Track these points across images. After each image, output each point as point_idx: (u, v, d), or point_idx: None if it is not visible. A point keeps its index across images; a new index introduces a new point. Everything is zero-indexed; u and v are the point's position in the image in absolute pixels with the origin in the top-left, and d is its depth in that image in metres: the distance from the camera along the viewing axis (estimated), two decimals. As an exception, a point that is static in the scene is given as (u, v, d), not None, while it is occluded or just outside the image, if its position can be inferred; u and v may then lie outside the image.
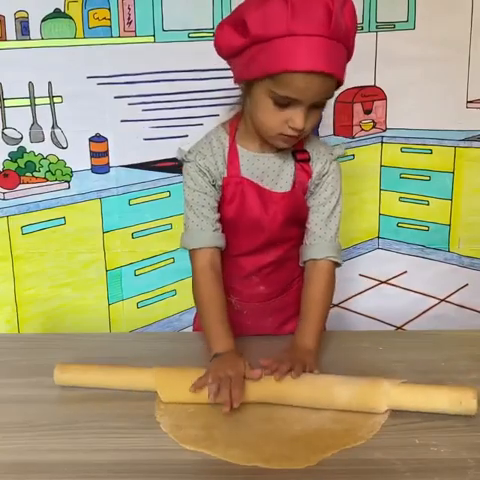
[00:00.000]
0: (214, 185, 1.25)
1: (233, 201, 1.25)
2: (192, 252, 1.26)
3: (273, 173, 1.25)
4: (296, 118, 1.11)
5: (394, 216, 1.95)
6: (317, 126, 1.81)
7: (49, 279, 1.85)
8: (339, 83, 1.12)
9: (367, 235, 1.95)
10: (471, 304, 1.95)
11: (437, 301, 1.97)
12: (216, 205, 1.26)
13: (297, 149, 1.25)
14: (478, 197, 1.88)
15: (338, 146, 1.30)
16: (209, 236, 1.25)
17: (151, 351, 1.31)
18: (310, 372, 1.10)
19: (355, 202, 1.87)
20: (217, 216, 1.26)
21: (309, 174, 1.26)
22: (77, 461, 0.96)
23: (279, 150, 1.24)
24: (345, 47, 1.09)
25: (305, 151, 1.26)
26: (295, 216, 1.28)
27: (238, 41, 1.10)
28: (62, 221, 1.81)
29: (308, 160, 1.26)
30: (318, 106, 1.13)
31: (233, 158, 1.24)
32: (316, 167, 1.26)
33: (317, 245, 1.27)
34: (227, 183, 1.25)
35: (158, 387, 1.11)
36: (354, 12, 1.10)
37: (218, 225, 1.26)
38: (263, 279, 1.34)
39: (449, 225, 1.92)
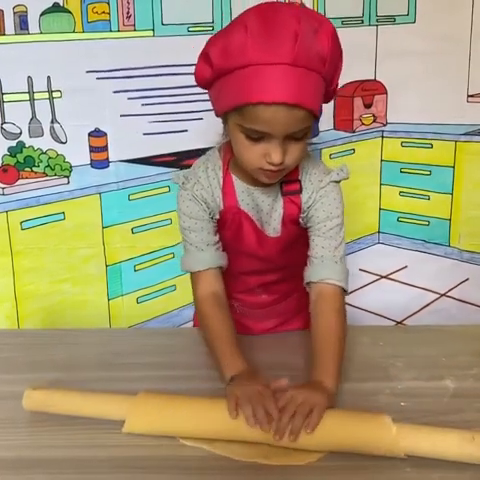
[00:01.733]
0: (211, 216, 1.19)
1: (230, 229, 1.21)
2: (194, 275, 1.21)
3: (267, 207, 1.19)
4: (272, 152, 1.04)
5: (394, 211, 1.95)
6: (317, 121, 1.80)
7: (49, 274, 1.85)
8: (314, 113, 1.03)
9: (367, 230, 1.95)
10: (472, 299, 1.95)
11: (437, 296, 1.97)
12: (214, 229, 1.21)
13: (287, 180, 1.16)
14: (479, 191, 1.88)
15: (339, 169, 1.19)
16: (210, 256, 1.20)
17: (151, 347, 1.30)
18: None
19: (355, 197, 1.87)
20: (216, 238, 1.21)
21: (299, 207, 1.18)
22: (76, 457, 0.96)
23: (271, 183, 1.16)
24: (320, 74, 1.00)
25: (296, 181, 1.18)
26: (291, 246, 1.23)
27: (207, 73, 1.05)
28: (61, 216, 1.81)
29: (299, 192, 1.17)
30: (297, 138, 1.04)
31: (229, 189, 1.18)
32: (303, 198, 1.17)
33: (315, 265, 1.17)
34: (224, 214, 1.19)
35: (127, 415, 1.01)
36: (333, 35, 1.01)
37: (218, 245, 1.21)
38: (266, 290, 1.33)
39: (449, 220, 1.92)
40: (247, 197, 1.19)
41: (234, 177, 1.18)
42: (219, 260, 1.21)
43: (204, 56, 1.05)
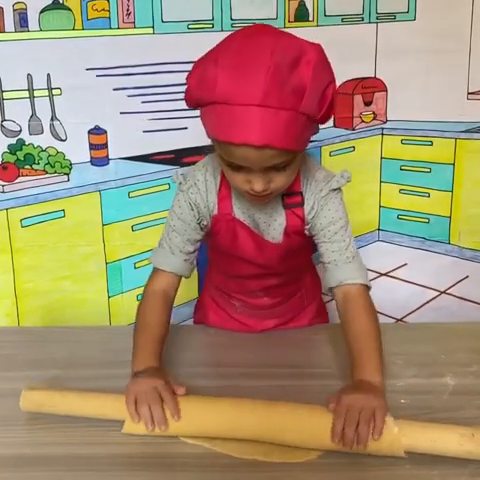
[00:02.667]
0: (199, 223, 1.19)
1: (225, 237, 1.20)
2: (155, 270, 1.21)
3: (265, 216, 1.18)
4: (253, 182, 1.03)
5: (394, 208, 1.94)
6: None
7: (49, 272, 1.85)
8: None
9: (367, 227, 1.95)
10: (471, 296, 1.95)
11: (437, 293, 1.97)
12: (196, 238, 1.20)
13: (289, 192, 1.15)
14: (479, 189, 1.88)
15: (339, 176, 1.17)
16: (178, 263, 1.19)
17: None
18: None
19: (355, 194, 1.87)
20: (195, 248, 1.21)
21: (302, 219, 1.17)
22: (75, 454, 0.96)
23: None
24: (295, 110, 0.95)
25: (298, 194, 1.16)
26: (293, 253, 1.22)
27: (189, 98, 1.05)
28: (61, 214, 1.80)
29: (301, 204, 1.16)
30: (279, 168, 1.03)
31: (225, 196, 1.17)
32: (306, 210, 1.16)
33: (330, 271, 1.16)
34: (217, 220, 1.18)
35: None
36: (315, 63, 0.96)
37: (193, 256, 1.21)
38: (267, 293, 1.33)
39: (449, 217, 1.92)
40: (243, 205, 1.18)
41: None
42: (185, 271, 1.21)
43: (187, 80, 1.03)
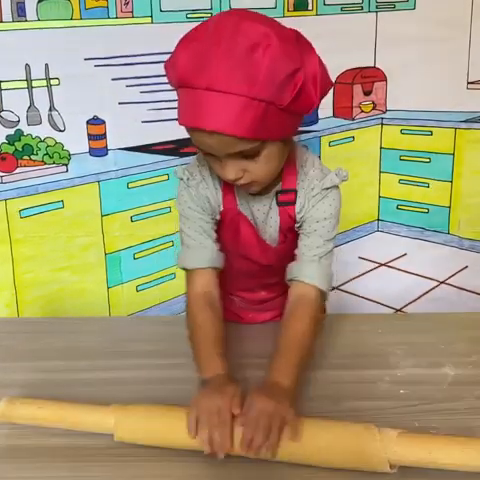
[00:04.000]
0: (212, 214, 1.17)
1: (228, 232, 1.19)
2: (190, 273, 1.17)
3: (262, 215, 1.17)
4: (224, 170, 1.03)
5: (394, 198, 1.94)
6: (316, 108, 1.80)
7: (48, 263, 1.85)
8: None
9: (367, 217, 1.95)
10: (471, 286, 1.95)
11: (437, 283, 1.97)
12: (214, 229, 1.18)
13: (283, 189, 1.13)
14: (478, 179, 1.88)
15: (333, 174, 1.13)
16: (211, 255, 1.16)
17: (150, 335, 1.31)
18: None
19: (355, 185, 1.86)
20: (215, 238, 1.18)
21: (292, 217, 1.15)
22: (78, 445, 0.96)
23: (268, 191, 1.13)
24: (249, 97, 0.92)
25: (292, 191, 1.14)
26: (291, 253, 1.19)
27: (169, 83, 1.05)
28: (60, 205, 1.80)
29: (293, 202, 1.14)
30: (250, 156, 1.00)
31: (229, 190, 1.15)
32: (297, 208, 1.14)
33: (294, 264, 1.15)
34: (224, 215, 1.17)
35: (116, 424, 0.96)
36: (275, 51, 0.92)
37: (217, 245, 1.18)
38: (265, 288, 1.32)
39: (449, 207, 1.91)
40: (245, 203, 1.17)
41: None
42: (218, 261, 1.18)
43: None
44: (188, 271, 1.18)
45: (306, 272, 1.13)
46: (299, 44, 0.97)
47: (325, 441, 0.91)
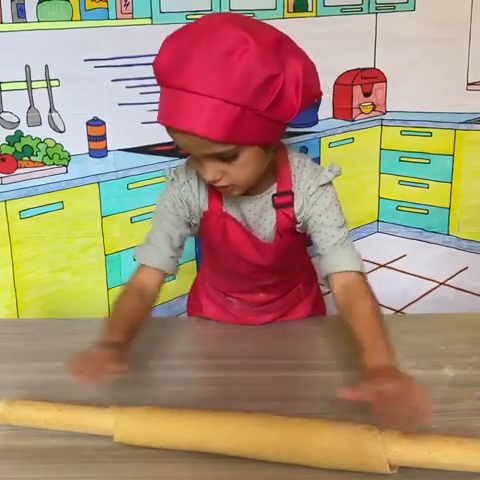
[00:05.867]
0: (189, 221, 1.18)
1: (216, 234, 1.19)
2: (140, 266, 1.19)
3: (254, 216, 1.17)
4: (202, 171, 1.04)
5: (393, 199, 1.94)
6: (316, 109, 1.80)
7: (48, 264, 1.85)
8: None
9: (366, 218, 1.95)
10: (470, 287, 1.95)
11: (436, 284, 1.97)
12: (185, 236, 1.19)
13: (279, 192, 1.14)
14: (478, 180, 1.87)
15: (326, 170, 1.15)
16: (164, 260, 1.18)
17: (149, 336, 1.30)
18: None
19: (354, 185, 1.87)
20: (182, 244, 1.20)
21: (291, 219, 1.16)
22: (77, 446, 0.96)
23: (260, 192, 1.15)
24: (223, 100, 0.93)
25: (289, 193, 1.15)
26: (287, 253, 1.20)
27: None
28: (60, 205, 1.80)
29: (291, 204, 1.15)
30: (228, 159, 1.01)
31: (215, 191, 1.15)
32: (296, 209, 1.15)
33: (320, 261, 1.15)
34: (207, 216, 1.17)
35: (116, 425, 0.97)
36: (254, 57, 0.92)
37: (179, 253, 1.20)
38: (264, 290, 1.32)
39: (449, 208, 1.91)
40: (233, 203, 1.16)
41: None
42: (170, 267, 1.19)
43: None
44: (139, 264, 1.19)
45: (335, 261, 1.13)
46: (282, 49, 0.97)
47: (326, 441, 0.91)
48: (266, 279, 1.28)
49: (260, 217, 1.17)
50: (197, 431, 0.95)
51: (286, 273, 1.29)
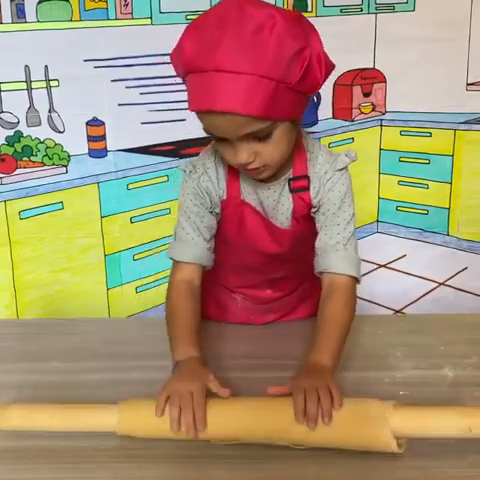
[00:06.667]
0: (212, 211, 1.18)
1: (232, 223, 1.19)
2: (177, 264, 1.18)
3: (272, 202, 1.17)
4: (237, 153, 1.03)
5: (393, 200, 1.94)
6: (316, 110, 1.80)
7: (48, 264, 1.85)
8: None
9: (366, 219, 1.95)
10: (470, 287, 1.95)
11: (436, 285, 1.97)
12: (213, 225, 1.19)
13: (295, 176, 1.14)
14: (478, 180, 1.88)
15: (343, 156, 1.15)
16: (201, 253, 1.17)
17: (150, 336, 1.30)
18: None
19: (354, 186, 1.85)
20: (212, 234, 1.19)
21: (307, 203, 1.16)
22: (74, 447, 0.96)
23: (277, 178, 1.14)
24: (258, 75, 0.94)
25: (305, 177, 1.15)
26: (301, 241, 1.20)
27: (176, 73, 1.05)
28: (60, 206, 1.80)
29: (306, 188, 1.15)
30: (262, 138, 1.01)
31: (233, 179, 1.16)
32: (312, 194, 1.15)
33: (319, 256, 1.16)
34: (226, 205, 1.18)
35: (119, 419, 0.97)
36: (286, 28, 0.94)
37: (212, 244, 1.20)
38: (271, 285, 1.32)
39: (448, 208, 1.92)
40: (252, 191, 1.17)
41: None
42: (208, 260, 1.19)
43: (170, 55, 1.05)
44: (175, 261, 1.19)
45: (332, 262, 1.14)
46: (303, 24, 1.00)
47: (335, 421, 0.92)
48: (276, 271, 1.28)
49: (278, 203, 1.18)
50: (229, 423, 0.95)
51: (296, 266, 1.29)
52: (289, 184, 1.15)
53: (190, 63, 0.97)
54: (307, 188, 1.15)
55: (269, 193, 1.16)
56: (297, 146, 1.13)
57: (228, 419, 0.95)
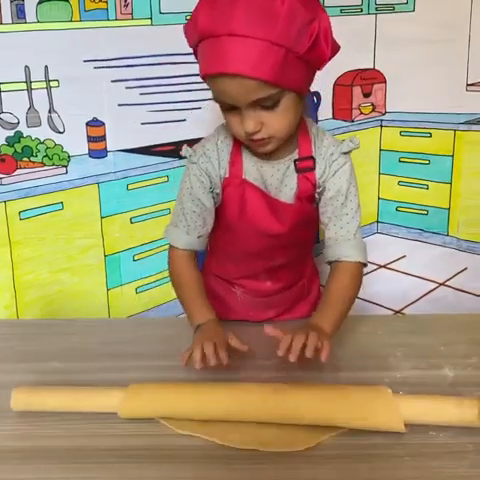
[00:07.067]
0: (212, 191, 1.21)
1: (233, 203, 1.22)
2: (173, 247, 1.26)
3: (276, 182, 1.20)
4: (244, 122, 1.07)
5: (393, 200, 1.94)
6: (316, 110, 1.80)
7: (47, 264, 1.85)
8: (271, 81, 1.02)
9: (366, 219, 1.95)
10: (470, 288, 1.95)
11: (436, 285, 1.97)
12: (210, 210, 1.23)
13: (301, 157, 1.19)
14: (477, 180, 1.88)
15: (348, 141, 1.20)
16: (191, 241, 1.24)
17: (150, 336, 1.31)
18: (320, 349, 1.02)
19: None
20: (208, 221, 1.23)
21: (313, 183, 1.20)
22: (75, 447, 0.96)
23: (282, 157, 1.19)
24: (270, 41, 0.98)
25: (310, 158, 1.19)
26: (303, 222, 1.23)
27: (189, 43, 1.10)
28: (60, 206, 1.80)
29: (312, 169, 1.19)
30: (269, 107, 1.05)
31: (236, 159, 1.20)
32: (317, 174, 1.19)
33: (329, 246, 1.21)
34: (227, 184, 1.21)
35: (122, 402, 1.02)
36: (297, 5, 0.98)
37: (206, 229, 1.24)
38: (271, 276, 1.33)
39: (448, 209, 1.91)
40: (255, 171, 1.20)
41: (244, 150, 1.20)
42: (200, 245, 1.25)
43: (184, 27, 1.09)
44: (170, 245, 1.27)
45: (344, 252, 1.20)
46: (314, 0, 1.05)
47: (341, 399, 0.98)
48: (276, 258, 1.29)
49: (281, 183, 1.20)
50: (204, 399, 1.00)
51: (295, 252, 1.30)
52: (295, 164, 1.18)
53: (204, 30, 1.00)
54: (313, 168, 1.18)
55: (273, 171, 1.19)
56: (302, 128, 1.18)
57: (236, 398, 1.00)
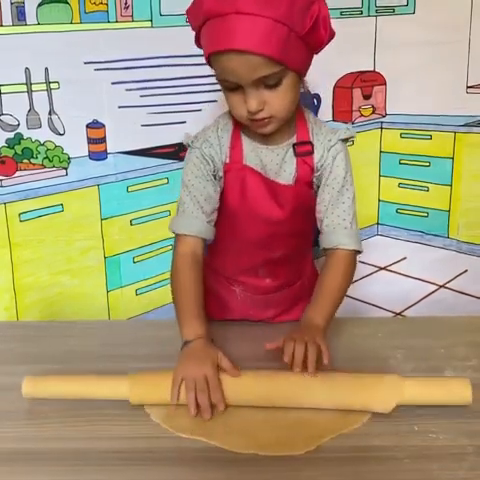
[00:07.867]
0: (215, 175, 1.23)
1: (234, 189, 1.23)
2: (179, 237, 1.24)
3: (275, 166, 1.23)
4: (247, 100, 1.10)
5: (393, 202, 1.94)
6: (316, 112, 1.80)
7: (47, 266, 1.85)
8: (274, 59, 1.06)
9: (366, 221, 1.94)
10: (470, 290, 1.95)
11: (436, 287, 1.97)
12: (215, 196, 1.24)
13: (299, 141, 1.22)
14: (478, 183, 1.87)
15: (345, 129, 1.24)
16: (200, 226, 1.22)
17: (150, 338, 1.31)
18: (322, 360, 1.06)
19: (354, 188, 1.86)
20: (214, 207, 1.24)
21: (311, 167, 1.23)
22: (76, 449, 0.96)
23: (281, 143, 1.22)
24: (273, 19, 1.02)
25: (308, 143, 1.22)
26: (302, 208, 1.25)
27: (192, 28, 1.12)
28: (60, 208, 1.80)
29: (311, 153, 1.22)
30: (271, 86, 1.09)
31: (236, 144, 1.23)
32: (315, 158, 1.22)
33: (326, 234, 1.23)
34: (228, 170, 1.23)
35: (130, 390, 1.06)
36: None
37: (213, 217, 1.24)
38: (270, 272, 1.33)
39: (448, 211, 1.91)
40: (255, 156, 1.22)
41: (243, 136, 1.22)
42: (208, 233, 1.24)
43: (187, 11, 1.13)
44: (178, 235, 1.25)
45: (341, 240, 1.22)
46: None
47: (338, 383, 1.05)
48: (277, 247, 1.29)
49: (280, 167, 1.23)
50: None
51: (294, 242, 1.31)
52: (294, 149, 1.21)
53: (211, 9, 1.04)
54: (311, 152, 1.21)
55: (272, 156, 1.22)
56: (299, 115, 1.21)
57: (241, 387, 1.05)
